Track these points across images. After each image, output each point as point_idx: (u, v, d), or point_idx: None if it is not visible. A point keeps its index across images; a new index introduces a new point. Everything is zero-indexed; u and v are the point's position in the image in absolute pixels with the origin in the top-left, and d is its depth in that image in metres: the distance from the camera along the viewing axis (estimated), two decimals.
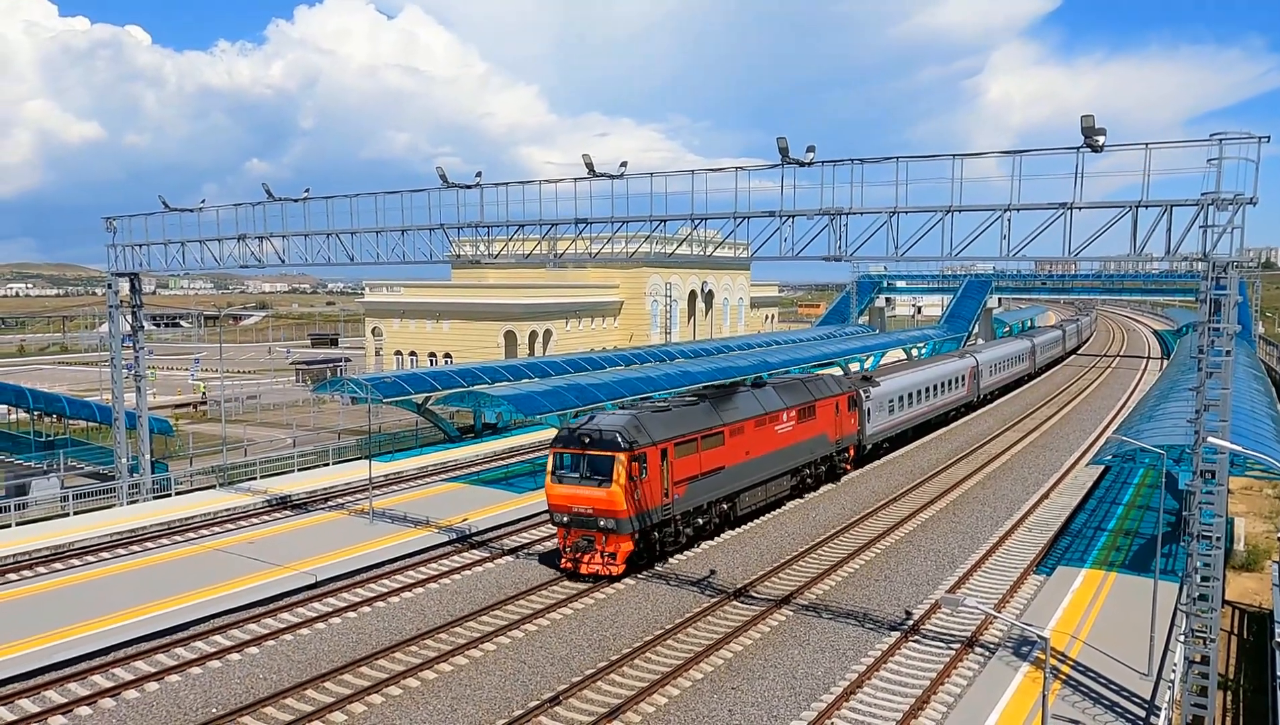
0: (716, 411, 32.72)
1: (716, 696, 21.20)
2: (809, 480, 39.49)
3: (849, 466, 43.41)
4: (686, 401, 33.16)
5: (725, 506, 33.20)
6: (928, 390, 54.29)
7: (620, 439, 28.09)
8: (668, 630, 24.92)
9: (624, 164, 25.39)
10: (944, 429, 58.06)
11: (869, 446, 45.41)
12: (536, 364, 52.91)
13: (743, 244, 27.07)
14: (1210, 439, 19.08)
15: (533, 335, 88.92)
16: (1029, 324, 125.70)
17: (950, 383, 58.58)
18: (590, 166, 25.52)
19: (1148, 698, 20.13)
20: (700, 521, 31.96)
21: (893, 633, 24.86)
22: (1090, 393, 77.81)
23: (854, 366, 67.65)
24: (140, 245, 36.08)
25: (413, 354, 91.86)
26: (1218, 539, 19.37)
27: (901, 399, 49.59)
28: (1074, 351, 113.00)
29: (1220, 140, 17.99)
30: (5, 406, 45.09)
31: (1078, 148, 19.57)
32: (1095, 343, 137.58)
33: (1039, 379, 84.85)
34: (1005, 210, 20.92)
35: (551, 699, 20.91)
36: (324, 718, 20.21)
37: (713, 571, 30.17)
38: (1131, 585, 26.89)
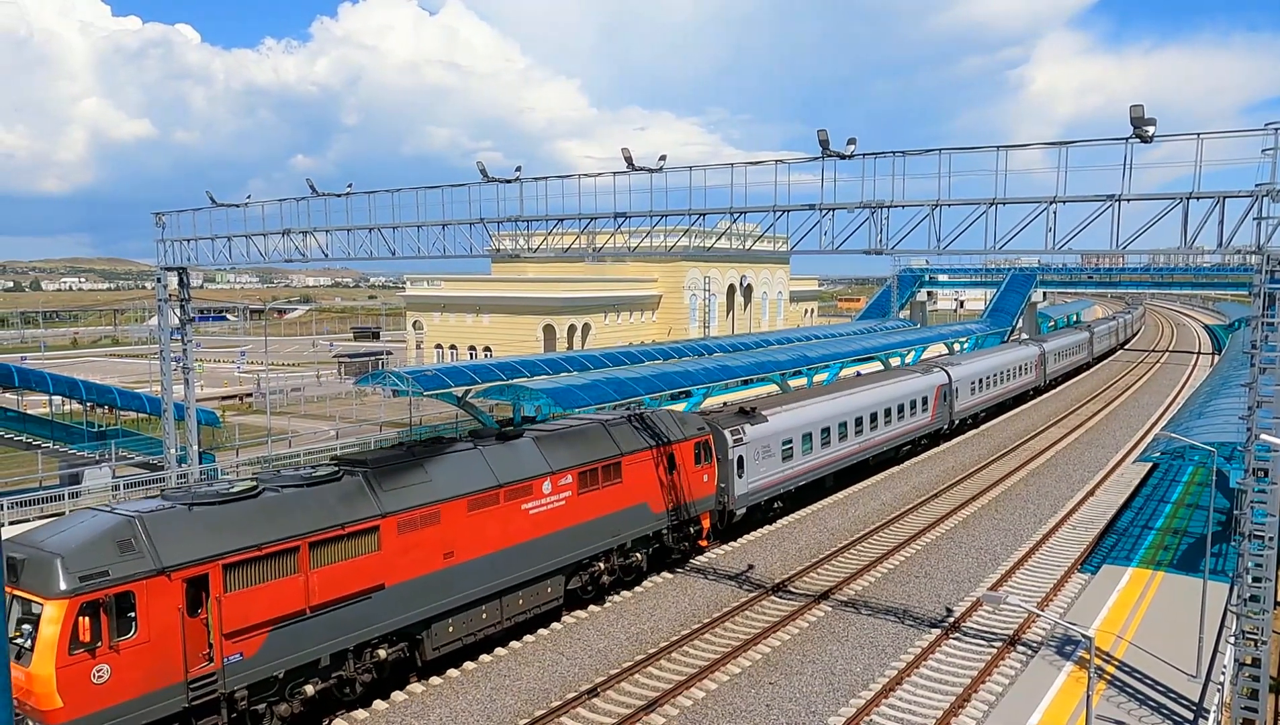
0: (370, 494, 20.06)
1: (754, 691, 21.17)
2: (605, 577, 26.44)
3: (705, 541, 30.84)
4: (305, 479, 19.71)
5: (385, 652, 20.29)
6: (860, 422, 40.24)
7: (61, 573, 15.47)
8: (705, 624, 24.93)
9: (663, 158, 25.34)
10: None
11: (740, 512, 32.38)
12: (575, 358, 53.07)
13: (782, 237, 26.92)
14: (1263, 436, 18.61)
15: (571, 329, 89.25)
16: (1076, 318, 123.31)
17: (908, 406, 45.20)
18: (629, 160, 25.50)
19: (1196, 700, 19.74)
20: (310, 689, 18.87)
21: (933, 630, 24.63)
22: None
23: (894, 361, 66.54)
24: (188, 240, 36.78)
25: (453, 347, 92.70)
26: (1270, 539, 18.91)
27: (809, 437, 36.36)
28: (1121, 347, 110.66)
29: (1276, 130, 17.52)
30: (59, 397, 46.23)
31: (1126, 138, 19.15)
32: (1143, 338, 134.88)
33: (1048, 395, 71.05)
34: (1051, 202, 20.54)
35: (589, 691, 21.04)
36: (369, 708, 20.53)
37: (751, 566, 30.12)
38: (1180, 585, 26.36)
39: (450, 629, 21.71)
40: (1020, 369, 64.67)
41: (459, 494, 21.79)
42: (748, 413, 33.97)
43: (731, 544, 32.23)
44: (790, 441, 35.17)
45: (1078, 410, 62.52)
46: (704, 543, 30.86)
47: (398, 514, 20.33)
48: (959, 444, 51.04)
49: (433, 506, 21.15)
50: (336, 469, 20.48)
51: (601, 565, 26.22)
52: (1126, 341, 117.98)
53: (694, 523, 30.02)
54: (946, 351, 76.34)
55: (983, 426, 56.55)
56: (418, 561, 20.70)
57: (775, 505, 35.10)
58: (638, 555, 27.74)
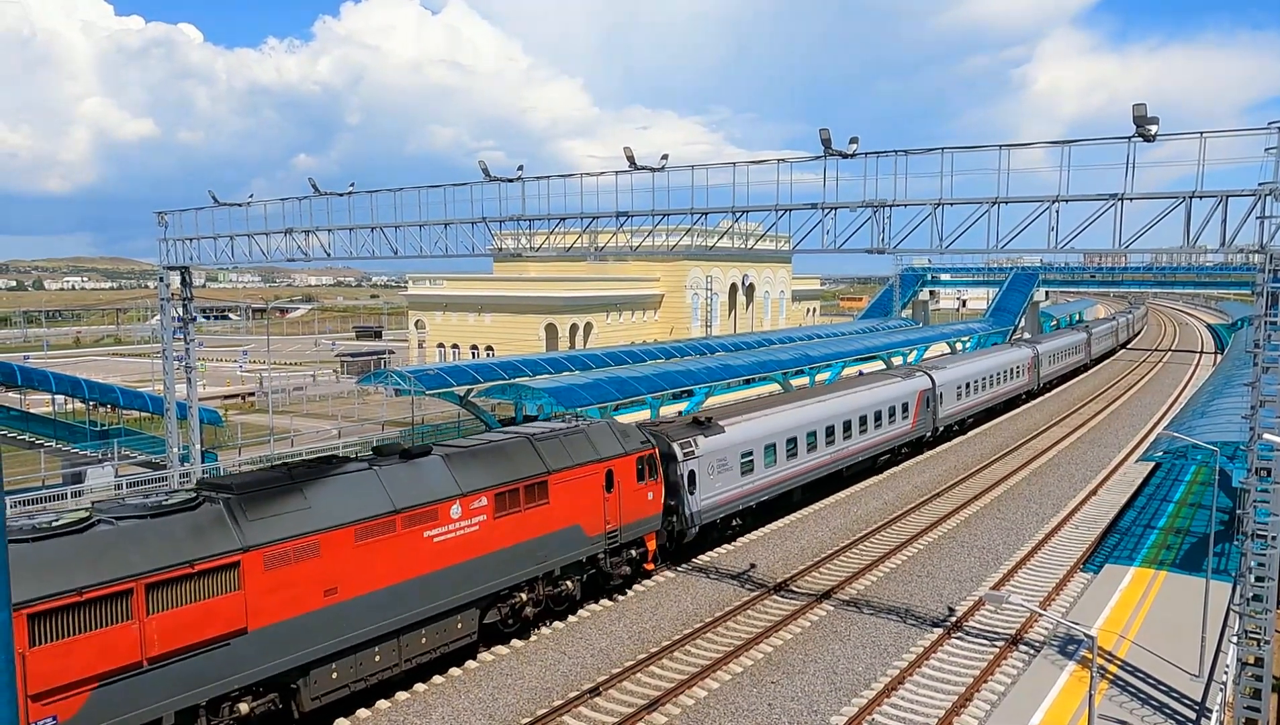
0: (232, 525, 17.62)
1: (756, 690, 21.18)
2: (529, 608, 23.87)
3: (651, 564, 28.24)
4: (152, 508, 17.15)
5: (249, 705, 17.76)
6: (831, 431, 37.79)
7: None
8: (707, 624, 24.93)
9: (665, 157, 25.36)
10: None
11: (693, 531, 29.81)
12: (577, 357, 53.10)
13: (784, 237, 26.95)
14: (1266, 436, 18.59)
15: (573, 328, 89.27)
16: (1078, 317, 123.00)
17: (886, 413, 42.65)
18: (631, 160, 25.53)
19: (1198, 700, 19.72)
20: None
21: (935, 629, 24.62)
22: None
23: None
24: (191, 239, 36.83)
25: (455, 346, 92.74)
26: (1273, 538, 18.88)
27: (773, 449, 33.91)
28: (1122, 347, 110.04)
29: (1279, 128, 17.49)
30: (62, 396, 46.29)
31: (1129, 137, 19.14)
32: (1145, 337, 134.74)
33: (1042, 399, 68.59)
34: (1053, 201, 20.54)
35: (591, 690, 21.05)
36: (372, 706, 20.55)
37: (753, 565, 30.12)
38: (1182, 584, 26.34)
39: (334, 675, 19.12)
40: (1012, 372, 61.77)
41: (344, 522, 19.18)
42: (702, 423, 31.44)
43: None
44: (750, 454, 32.55)
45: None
46: (650, 566, 28.18)
47: (265, 547, 17.71)
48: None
49: (310, 537, 18.50)
50: (195, 495, 17.96)
51: (524, 596, 23.53)
52: (1128, 341, 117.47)
53: (637, 545, 27.40)
54: (949, 351, 76.29)
55: (970, 433, 54.01)
56: (291, 601, 18.05)
57: (734, 523, 32.48)
58: (568, 583, 24.98)
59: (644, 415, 46.21)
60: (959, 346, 79.90)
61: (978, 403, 54.71)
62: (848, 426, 39.05)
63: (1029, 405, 64.57)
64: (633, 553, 27.26)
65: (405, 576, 20.32)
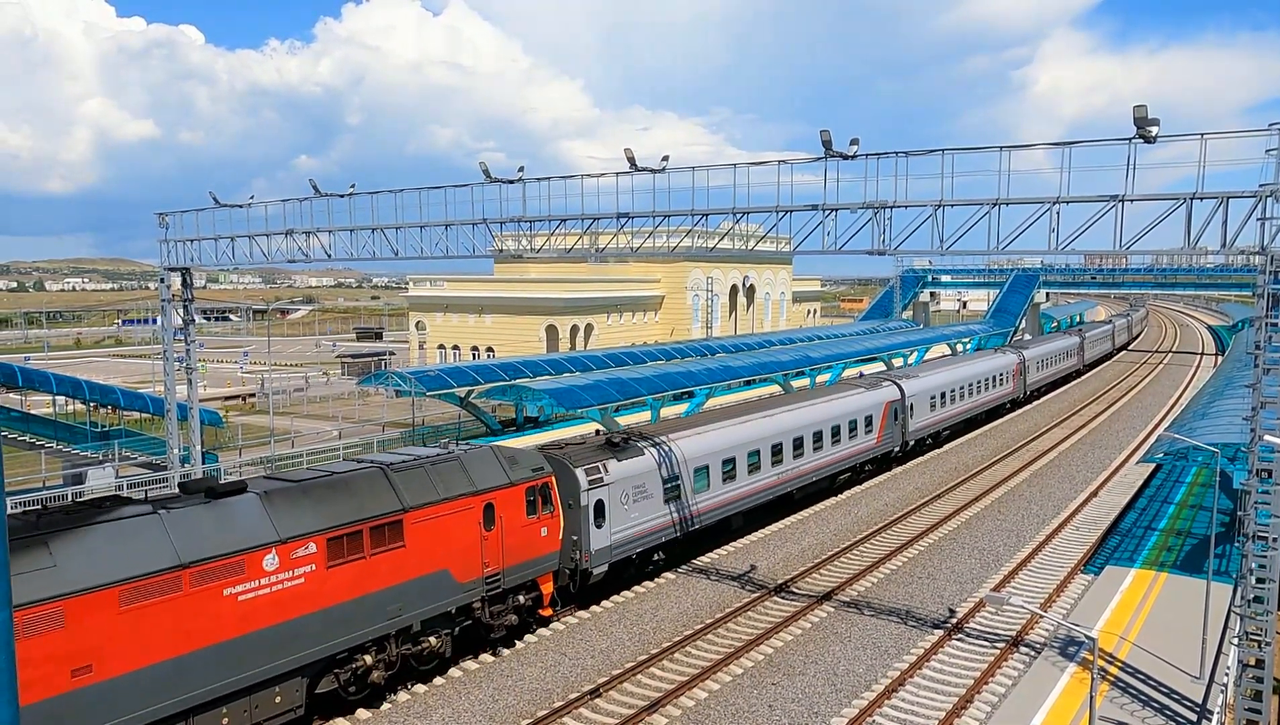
0: None
1: (756, 691, 21.17)
2: (377, 672, 20.28)
3: (549, 609, 24.86)
4: None
5: None
6: (779, 449, 34.44)
7: None
8: (708, 625, 24.92)
9: (666, 158, 25.37)
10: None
11: (599, 570, 26.27)
12: (578, 358, 53.11)
13: (785, 238, 26.96)
14: (1267, 437, 18.58)
15: (574, 329, 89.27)
16: (1079, 318, 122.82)
17: (846, 427, 38.99)
18: (632, 161, 25.53)
19: (1199, 701, 19.70)
20: None
21: (936, 631, 24.61)
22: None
23: (897, 361, 66.29)
24: (191, 240, 36.84)
25: (455, 348, 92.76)
26: (1274, 540, 18.87)
27: (705, 471, 30.68)
28: (1120, 350, 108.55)
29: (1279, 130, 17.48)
30: (62, 397, 46.31)
31: (1130, 139, 19.14)
32: (1146, 339, 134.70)
33: (1028, 408, 64.84)
34: (1054, 203, 20.53)
35: (591, 691, 21.04)
36: (372, 708, 20.54)
37: (753, 567, 30.10)
38: (1183, 586, 26.31)
39: None
40: (994, 380, 57.80)
41: (104, 583, 15.66)
42: (616, 445, 27.94)
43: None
44: (677, 478, 29.20)
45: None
46: (547, 611, 24.71)
47: None
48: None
49: (51, 604, 15.01)
50: None
51: (369, 659, 19.98)
52: (1127, 344, 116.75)
53: (527, 589, 23.92)
54: (950, 352, 76.26)
55: (946, 446, 50.24)
56: (22, 685, 14.04)
57: (656, 558, 28.95)
58: (431, 640, 21.36)
59: (645, 416, 46.24)
60: (960, 348, 79.89)
61: (954, 413, 51.12)
62: (798, 443, 35.57)
63: (1004, 419, 59.93)
64: (521, 598, 23.67)
65: (196, 645, 16.82)
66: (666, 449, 29.46)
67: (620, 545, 26.89)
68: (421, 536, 20.90)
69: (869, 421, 40.90)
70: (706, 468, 30.73)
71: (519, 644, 23.86)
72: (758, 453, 33.27)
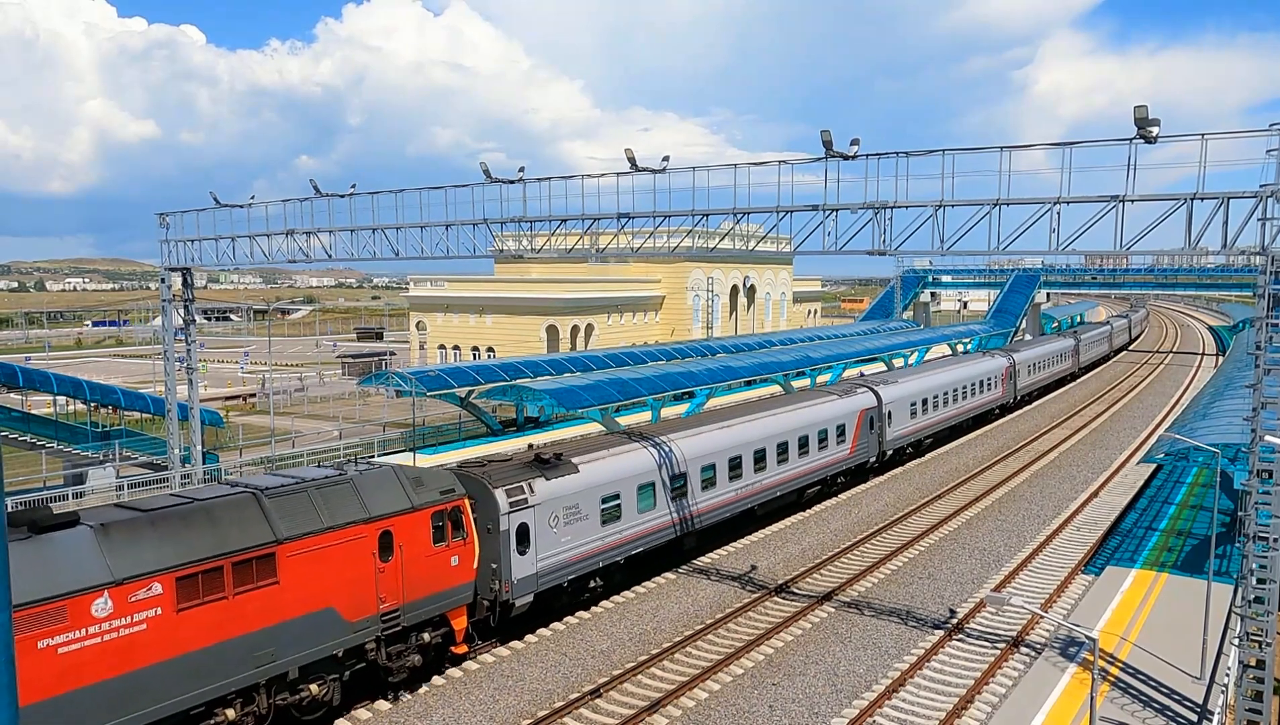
0: None
1: (757, 692, 21.16)
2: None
3: (464, 646, 22.49)
4: None
5: None
6: (737, 463, 32.23)
7: None
8: (708, 625, 24.92)
9: (666, 158, 25.38)
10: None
11: (523, 601, 23.71)
12: (578, 358, 53.10)
13: (785, 238, 26.94)
14: (1268, 437, 18.58)
15: (574, 329, 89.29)
16: (1080, 319, 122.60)
17: (815, 438, 36.55)
18: (633, 161, 25.54)
19: (1200, 702, 19.69)
20: None
21: (936, 631, 24.60)
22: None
23: (898, 361, 66.27)
24: (192, 240, 36.87)
25: (456, 348, 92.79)
26: (1275, 540, 18.87)
27: (650, 489, 28.19)
28: (1116, 353, 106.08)
29: None
30: (63, 397, 46.33)
31: (1130, 139, 19.15)
32: (1146, 339, 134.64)
33: (1018, 413, 60.74)
34: (1055, 203, 20.54)
35: (592, 692, 21.04)
36: (369, 705, 20.55)
37: (753, 567, 30.11)
38: (1184, 587, 26.30)
39: None
40: (981, 385, 55.07)
41: None
42: (545, 462, 25.31)
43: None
44: (616, 497, 26.76)
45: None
46: (461, 648, 22.39)
47: None
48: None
49: None
50: None
51: (232, 713, 17.65)
52: (1127, 345, 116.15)
53: (435, 625, 21.64)
54: (950, 352, 76.24)
55: (927, 456, 47.73)
56: None
57: (593, 584, 26.44)
58: (313, 687, 19.02)
59: (645, 417, 46.26)
60: (960, 348, 79.88)
61: (937, 421, 48.45)
62: (760, 456, 33.28)
63: (993, 426, 57.29)
64: (426, 636, 21.36)
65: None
66: (606, 465, 26.82)
67: (549, 573, 24.38)
68: (300, 571, 18.49)
69: (841, 431, 38.59)
70: (652, 485, 28.27)
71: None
72: (713, 467, 31.06)
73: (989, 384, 56.54)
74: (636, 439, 29.52)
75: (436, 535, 21.42)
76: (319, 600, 18.91)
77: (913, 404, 45.24)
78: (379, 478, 20.92)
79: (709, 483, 30.79)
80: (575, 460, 26.12)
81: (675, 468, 29.38)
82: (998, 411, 59.39)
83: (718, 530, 32.12)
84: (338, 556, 19.28)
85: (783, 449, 34.53)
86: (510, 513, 23.30)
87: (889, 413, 42.63)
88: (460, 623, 22.31)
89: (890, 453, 43.36)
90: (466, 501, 22.38)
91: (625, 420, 43.98)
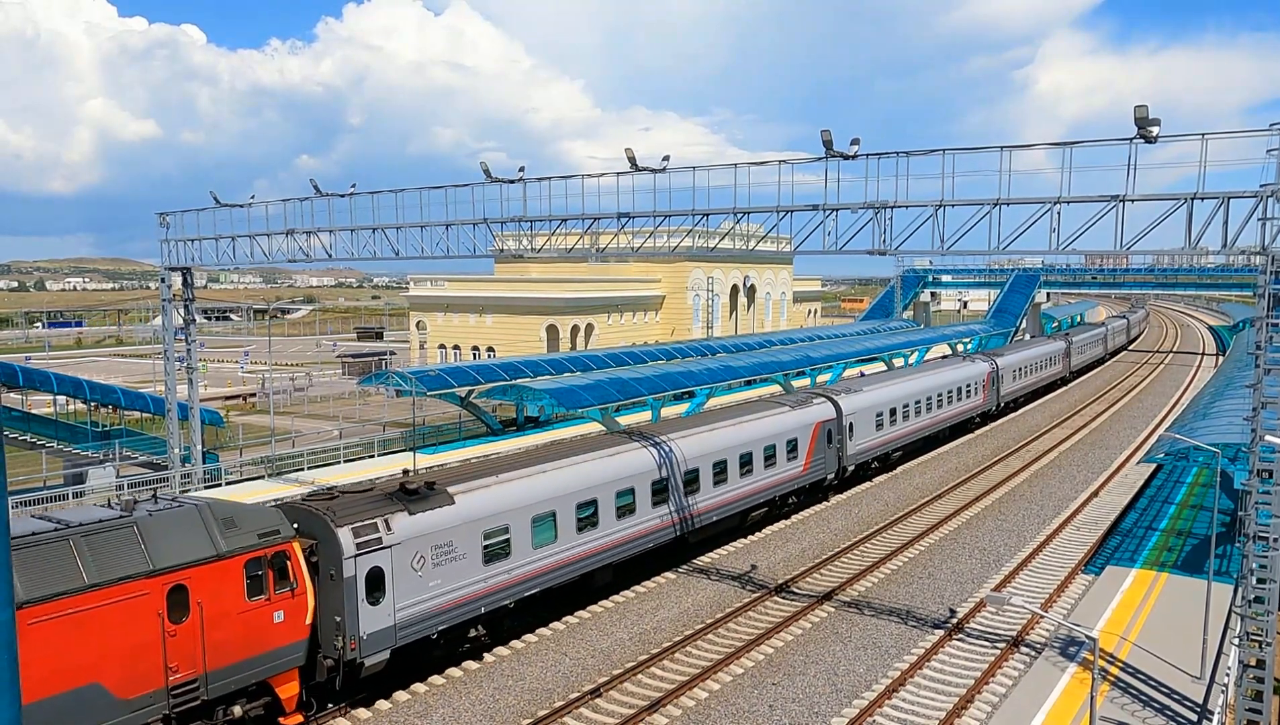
0: None
1: (757, 692, 21.16)
2: None
3: (296, 715, 19.13)
4: None
5: None
6: (661, 486, 28.68)
7: None
8: (708, 624, 24.92)
9: (666, 158, 25.38)
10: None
11: (376, 659, 20.13)
12: (578, 358, 53.11)
13: (785, 238, 26.94)
14: (1268, 437, 18.58)
15: (574, 329, 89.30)
16: (1080, 319, 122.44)
17: (760, 455, 33.15)
18: (633, 161, 25.54)
19: (1200, 701, 19.69)
20: None
21: (936, 631, 24.60)
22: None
23: (898, 361, 66.24)
24: (192, 240, 36.86)
25: (456, 347, 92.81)
26: (1275, 540, 18.87)
27: (549, 520, 24.63)
28: (1112, 355, 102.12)
29: None
30: (63, 397, 46.33)
31: (1130, 139, 19.14)
32: (1147, 339, 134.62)
33: (1002, 421, 57.05)
34: (1055, 203, 20.54)
35: (592, 691, 21.04)
36: (372, 707, 20.55)
37: (753, 567, 30.10)
38: (1184, 586, 26.30)
39: None
40: (959, 392, 51.41)
41: None
42: (411, 493, 21.68)
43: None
44: (504, 531, 23.23)
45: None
46: (294, 718, 18.99)
47: None
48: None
49: None
50: None
51: None
52: (1125, 346, 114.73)
53: (252, 694, 18.34)
54: (950, 352, 76.27)
55: (898, 470, 44.41)
56: None
57: (474, 633, 23.01)
58: None
59: (645, 416, 46.26)
60: (960, 348, 79.90)
61: (907, 433, 44.83)
62: (692, 478, 30.03)
63: (972, 435, 53.83)
64: (238, 709, 18.06)
65: None
66: (489, 495, 23.34)
67: (412, 624, 20.76)
68: (52, 640, 15.26)
69: (792, 446, 35.07)
70: (553, 514, 24.73)
71: (517, 643, 23.45)
72: (631, 492, 27.55)
73: (968, 391, 52.97)
74: (537, 462, 25.82)
75: (253, 587, 17.95)
76: (78, 675, 15.55)
77: (879, 414, 41.80)
78: (174, 520, 17.52)
79: (626, 510, 27.36)
80: (452, 489, 22.59)
81: (584, 494, 25.90)
82: (978, 420, 56.05)
83: (642, 562, 28.60)
84: (107, 619, 15.92)
85: (720, 469, 31.32)
86: (359, 555, 19.69)
87: (850, 425, 39.10)
88: (289, 689, 18.79)
89: (852, 469, 39.80)
90: (296, 544, 18.90)
91: (625, 420, 43.99)
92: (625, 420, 44.11)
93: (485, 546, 22.68)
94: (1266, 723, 19.34)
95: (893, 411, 43.09)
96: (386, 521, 20.55)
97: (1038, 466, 45.46)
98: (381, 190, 31.77)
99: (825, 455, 37.34)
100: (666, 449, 29.56)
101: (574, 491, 25.66)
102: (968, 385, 52.66)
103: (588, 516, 26.01)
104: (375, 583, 20.04)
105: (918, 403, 45.93)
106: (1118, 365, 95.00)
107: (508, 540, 23.32)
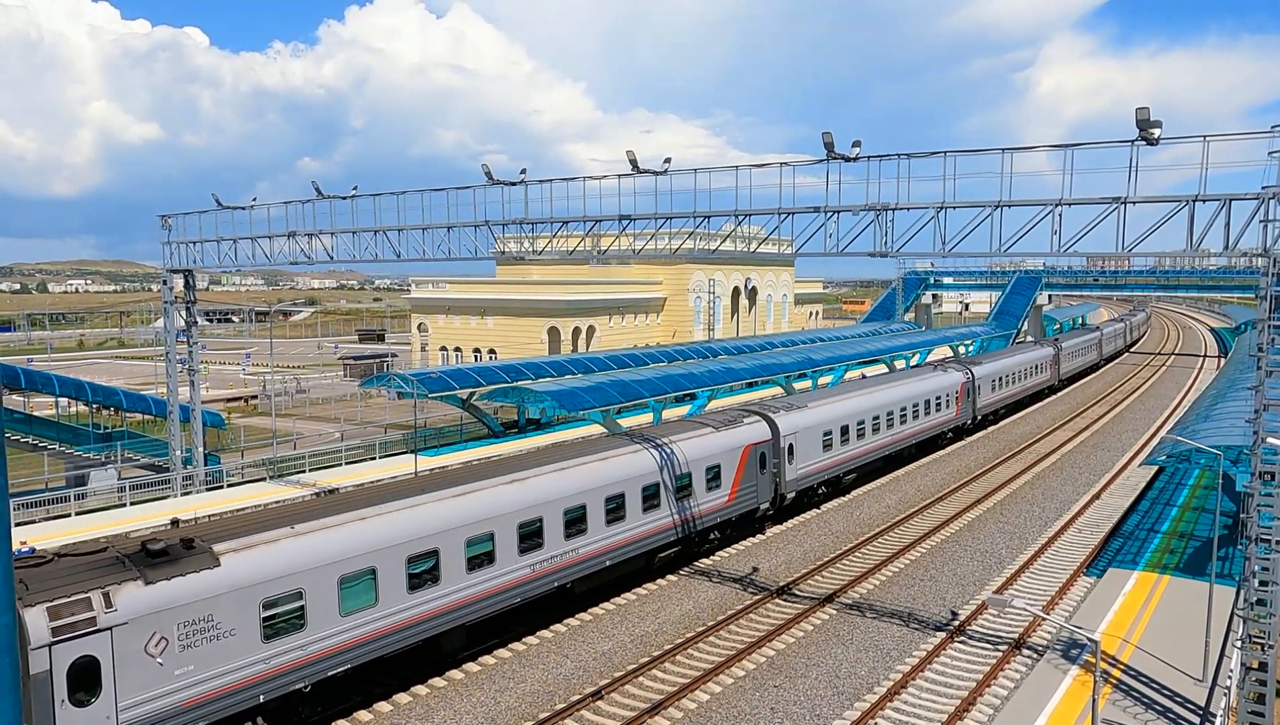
0: None
1: (759, 694, 21.14)
2: None
3: None
4: None
5: None
6: (539, 528, 24.02)
7: None
8: (710, 627, 24.90)
9: (668, 160, 25.40)
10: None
11: None
12: (579, 360, 53.13)
13: (786, 240, 26.94)
14: (1270, 439, 18.57)
15: (576, 331, 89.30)
16: (1081, 321, 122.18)
17: (667, 486, 28.47)
18: (634, 163, 25.57)
19: (1202, 704, 19.66)
20: None
21: (938, 633, 24.58)
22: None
23: (899, 363, 66.16)
24: (194, 242, 36.91)
25: (457, 349, 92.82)
26: (1277, 543, 18.85)
27: (374, 573, 20.12)
28: (1108, 359, 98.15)
29: None
30: (65, 399, 46.37)
31: (1132, 141, 19.15)
32: (1148, 341, 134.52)
33: (979, 435, 51.94)
34: (1056, 205, 20.54)
35: (593, 693, 21.03)
36: (372, 708, 20.54)
37: (755, 569, 30.08)
38: (1186, 589, 26.26)
39: None
40: (927, 405, 46.79)
41: None
42: (155, 554, 17.37)
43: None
44: (297, 596, 18.75)
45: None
46: None
47: None
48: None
49: None
50: None
51: None
52: (1124, 350, 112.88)
53: None
54: (951, 353, 76.22)
55: (853, 493, 39.93)
56: None
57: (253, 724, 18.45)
58: None
59: (647, 418, 46.23)
60: (962, 350, 79.87)
61: (863, 452, 40.12)
62: (576, 518, 25.15)
63: (947, 451, 49.71)
64: None
65: None
66: (274, 552, 18.62)
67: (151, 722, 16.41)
68: None
69: (714, 474, 30.59)
70: (372, 572, 20.00)
71: (519, 645, 23.53)
72: (491, 538, 22.69)
73: (939, 403, 48.16)
74: (358, 506, 21.01)
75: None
76: None
77: (825, 433, 37.08)
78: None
79: (482, 560, 22.45)
80: (219, 547, 17.97)
81: (414, 548, 20.90)
82: (950, 435, 51.07)
83: (506, 619, 24.04)
84: None
85: (615, 505, 26.57)
86: (57, 644, 15.23)
87: (789, 446, 34.48)
88: None
89: (792, 496, 35.18)
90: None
91: (628, 421, 43.97)
92: (628, 422, 44.12)
93: (266, 618, 18.09)
94: None
95: (844, 429, 38.52)
96: (106, 595, 15.98)
97: (1040, 468, 45.35)
98: (383, 192, 31.82)
99: (758, 482, 32.85)
100: (534, 488, 24.47)
101: (403, 542, 20.66)
102: (937, 398, 48.06)
103: (426, 570, 21.19)
104: (87, 679, 15.58)
105: (875, 418, 41.24)
106: (1118, 366, 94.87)
107: (301, 608, 18.72)
